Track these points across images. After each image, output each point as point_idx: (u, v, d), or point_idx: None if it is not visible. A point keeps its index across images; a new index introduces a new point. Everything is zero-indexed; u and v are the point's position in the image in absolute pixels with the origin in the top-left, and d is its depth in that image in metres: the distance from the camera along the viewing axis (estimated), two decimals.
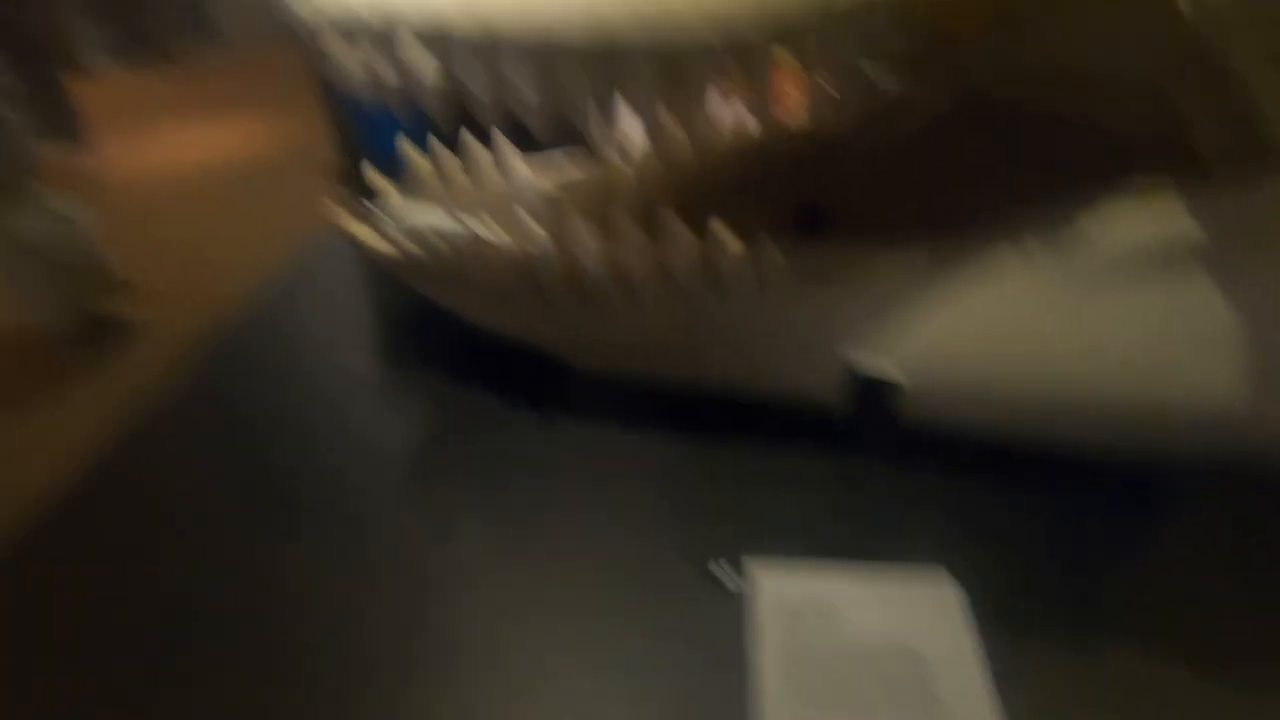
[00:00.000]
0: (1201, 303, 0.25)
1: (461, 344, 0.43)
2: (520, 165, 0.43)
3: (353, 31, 0.31)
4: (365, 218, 0.43)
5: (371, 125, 0.61)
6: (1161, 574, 0.29)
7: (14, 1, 1.82)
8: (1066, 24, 0.28)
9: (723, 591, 0.29)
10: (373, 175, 0.43)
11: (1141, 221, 0.26)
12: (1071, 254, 0.28)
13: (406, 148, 0.41)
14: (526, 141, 0.38)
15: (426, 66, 0.30)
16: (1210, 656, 0.26)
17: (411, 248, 0.39)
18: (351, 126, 0.70)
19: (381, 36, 0.30)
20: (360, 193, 0.44)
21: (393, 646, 0.28)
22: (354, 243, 0.42)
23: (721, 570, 0.30)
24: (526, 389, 0.40)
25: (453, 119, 0.32)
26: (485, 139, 0.43)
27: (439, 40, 0.29)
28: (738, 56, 0.26)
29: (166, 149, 2.63)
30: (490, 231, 0.38)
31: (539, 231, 0.34)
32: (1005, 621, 0.27)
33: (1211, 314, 0.25)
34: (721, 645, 0.27)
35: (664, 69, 0.27)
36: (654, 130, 0.32)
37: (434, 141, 0.42)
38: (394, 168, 0.43)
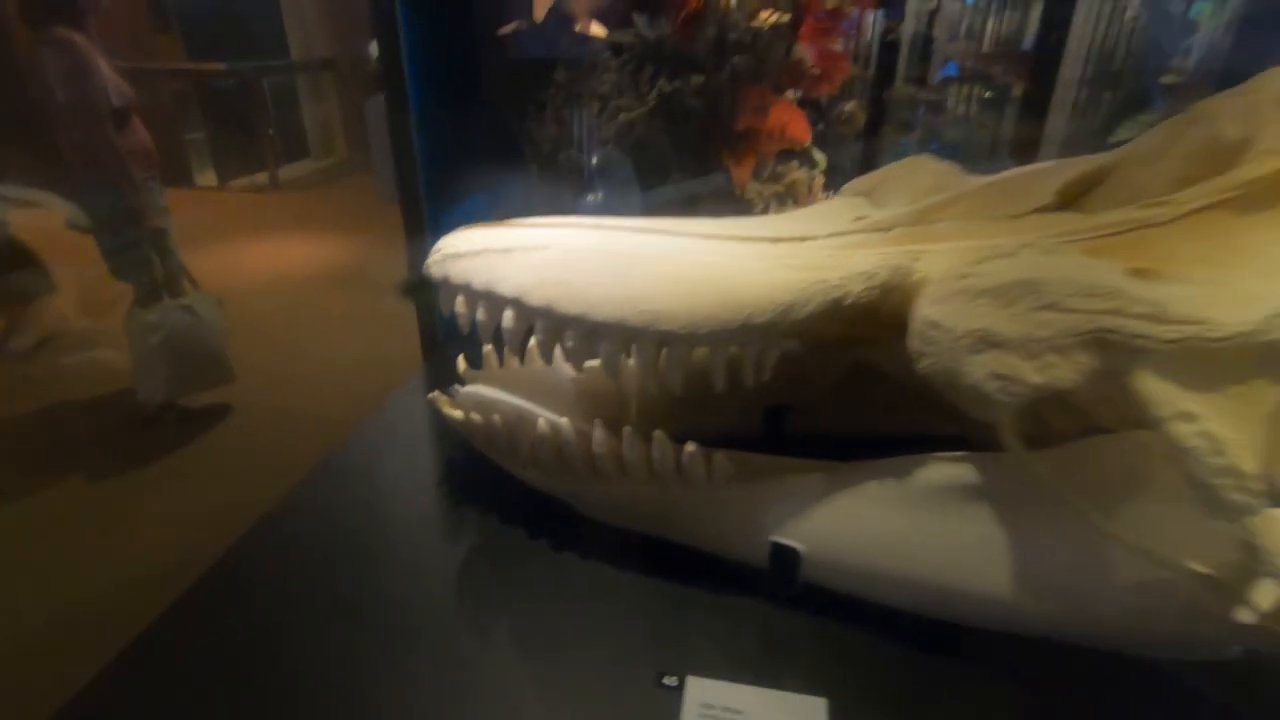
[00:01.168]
0: (986, 527, 0.40)
1: (503, 491, 0.58)
2: (553, 370, 0.60)
3: (468, 295, 0.49)
4: (445, 390, 0.60)
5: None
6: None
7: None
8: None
9: (667, 692, 0.42)
10: (461, 363, 0.61)
11: (961, 467, 0.41)
12: (914, 482, 0.43)
13: (490, 351, 0.59)
14: None
15: (509, 317, 0.48)
16: None
17: (476, 416, 0.56)
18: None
19: (485, 298, 0.48)
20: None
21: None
22: (434, 408, 0.59)
23: (670, 680, 0.43)
24: (550, 530, 0.55)
25: (521, 345, 0.50)
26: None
27: (519, 304, 0.47)
28: (701, 344, 0.43)
29: (263, 259, 2.97)
30: (534, 413, 0.55)
31: (566, 421, 0.50)
32: None
33: (993, 536, 0.40)
34: None
35: (659, 344, 0.44)
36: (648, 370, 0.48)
37: (502, 346, 0.59)
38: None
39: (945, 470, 0.41)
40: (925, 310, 0.34)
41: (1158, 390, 0.30)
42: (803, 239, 0.50)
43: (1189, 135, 0.43)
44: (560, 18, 1.11)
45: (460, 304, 0.50)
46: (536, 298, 0.46)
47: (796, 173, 1.26)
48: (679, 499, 0.49)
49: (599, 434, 0.49)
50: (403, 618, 0.48)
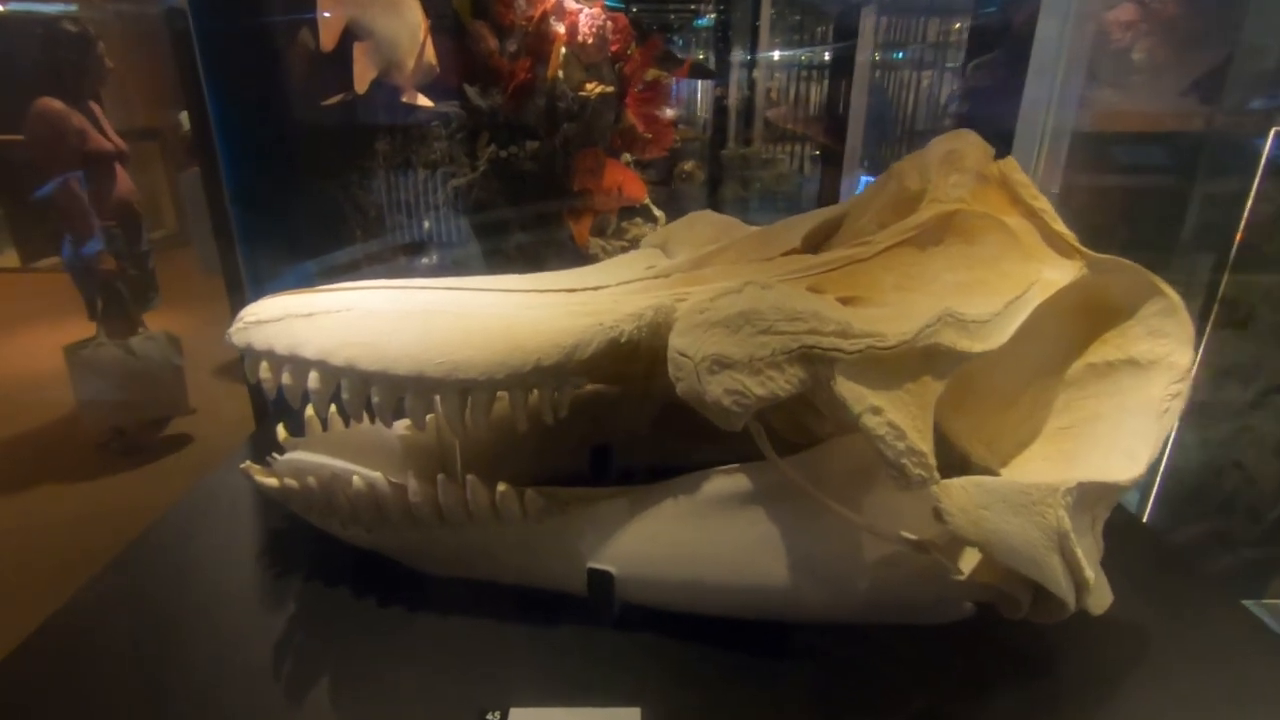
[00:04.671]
0: (763, 527, 0.45)
1: (327, 555, 0.57)
2: (378, 429, 0.61)
3: (272, 360, 0.49)
4: (262, 462, 0.59)
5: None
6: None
7: None
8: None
9: None
10: (281, 432, 0.60)
11: (736, 478, 0.47)
12: (700, 496, 0.48)
13: (312, 416, 0.59)
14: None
15: (314, 379, 0.49)
16: None
17: (291, 482, 0.55)
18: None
19: (289, 362, 0.49)
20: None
21: None
22: (251, 480, 0.58)
23: (492, 717, 0.45)
24: (374, 588, 0.55)
25: (326, 405, 0.51)
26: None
27: (323, 365, 0.48)
28: (499, 389, 0.47)
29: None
30: (350, 470, 0.55)
31: (379, 475, 0.51)
32: None
33: (769, 534, 0.45)
34: None
35: (461, 393, 0.47)
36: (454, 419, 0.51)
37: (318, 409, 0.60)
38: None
39: (724, 482, 0.47)
40: (674, 341, 0.40)
41: (850, 391, 0.37)
42: (596, 288, 0.55)
43: (886, 188, 0.53)
44: (386, 90, 1.14)
45: (264, 370, 0.50)
46: (339, 358, 0.47)
47: (639, 228, 1.35)
48: (498, 538, 0.51)
49: (414, 484, 0.50)
50: (216, 696, 0.46)
